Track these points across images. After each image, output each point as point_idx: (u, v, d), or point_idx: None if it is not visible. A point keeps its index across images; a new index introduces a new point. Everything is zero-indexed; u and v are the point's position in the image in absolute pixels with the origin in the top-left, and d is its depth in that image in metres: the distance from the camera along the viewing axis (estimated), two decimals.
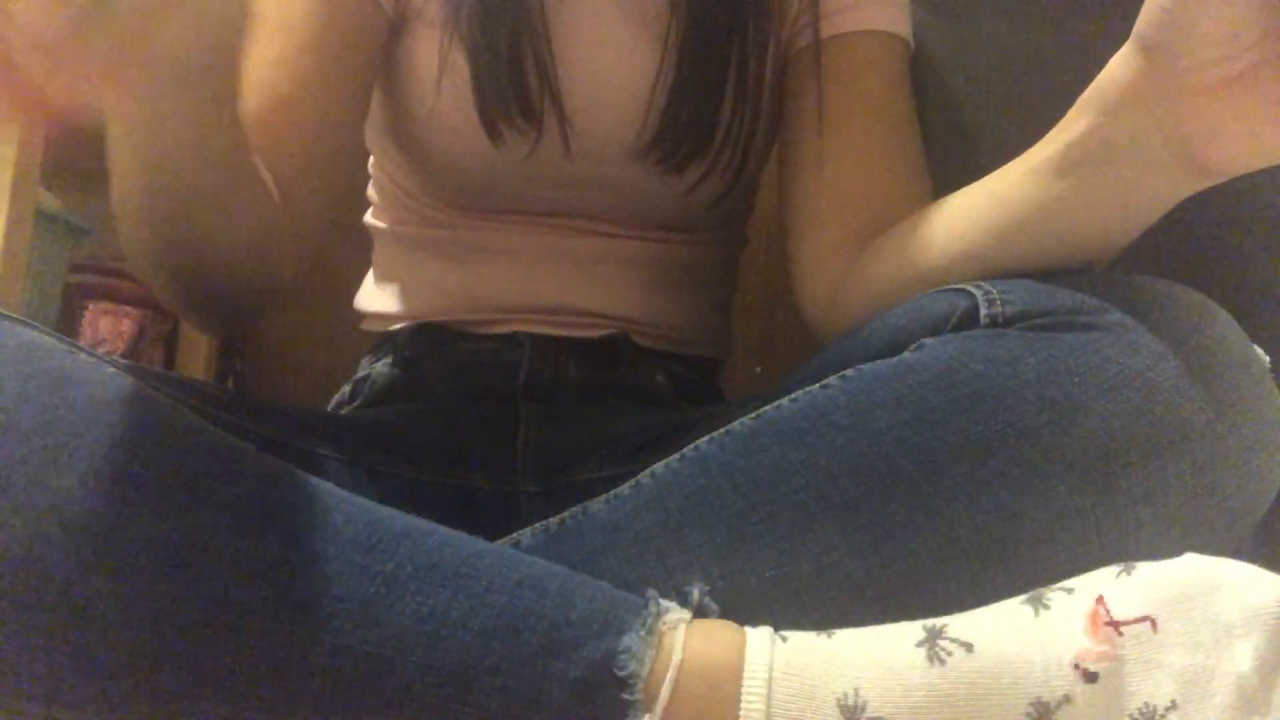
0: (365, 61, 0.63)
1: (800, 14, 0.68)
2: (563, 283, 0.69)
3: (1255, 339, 0.45)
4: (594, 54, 0.65)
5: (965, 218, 0.52)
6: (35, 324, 0.42)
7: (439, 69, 0.63)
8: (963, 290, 0.48)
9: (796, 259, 0.67)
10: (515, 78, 0.62)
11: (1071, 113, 0.46)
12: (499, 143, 0.63)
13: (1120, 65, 0.43)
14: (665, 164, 0.66)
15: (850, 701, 0.37)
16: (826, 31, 0.67)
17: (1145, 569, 0.40)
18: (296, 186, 0.57)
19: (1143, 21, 0.41)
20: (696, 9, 0.65)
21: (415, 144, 0.67)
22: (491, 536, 0.44)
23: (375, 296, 0.74)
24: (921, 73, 0.70)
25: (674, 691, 0.38)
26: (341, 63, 0.61)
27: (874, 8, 0.67)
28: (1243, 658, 0.37)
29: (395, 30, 0.65)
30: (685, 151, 0.65)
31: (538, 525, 0.48)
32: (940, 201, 0.57)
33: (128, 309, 1.10)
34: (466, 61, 0.62)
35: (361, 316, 0.76)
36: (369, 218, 0.77)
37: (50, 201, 0.96)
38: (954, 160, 0.70)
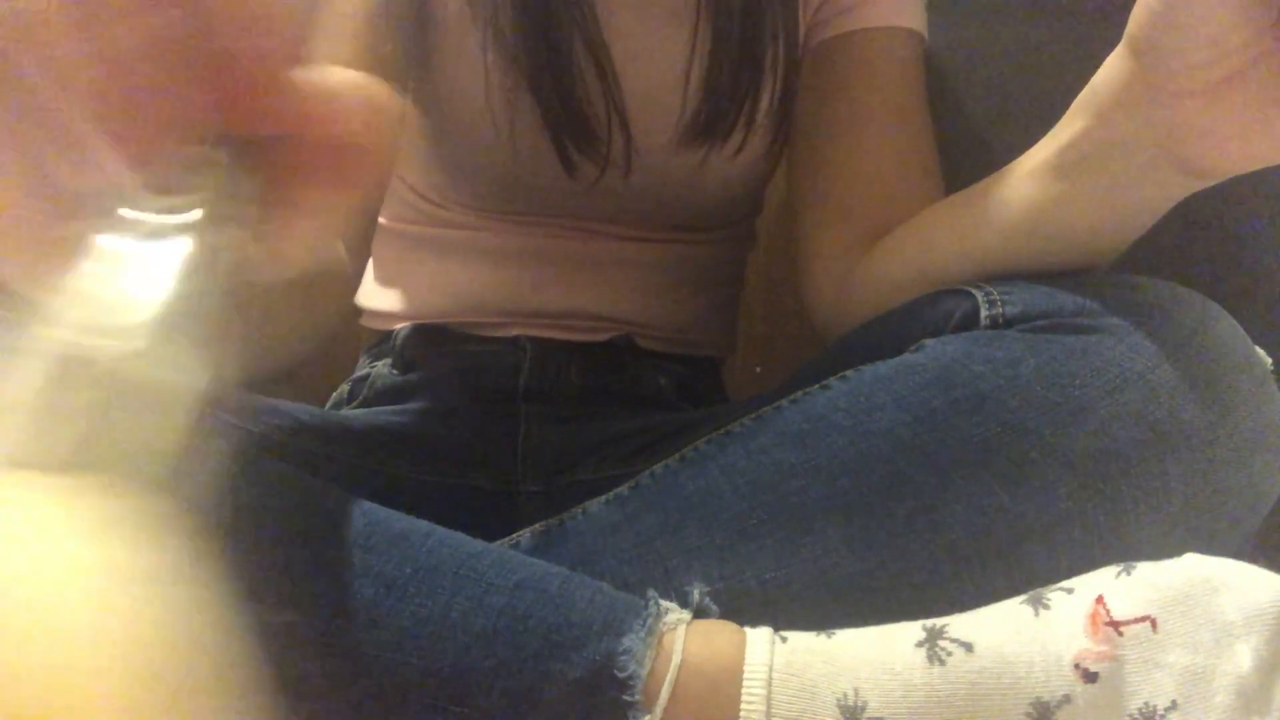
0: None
1: (820, 6, 0.67)
2: (569, 286, 0.68)
3: (1257, 340, 0.45)
4: (640, 59, 0.63)
5: (966, 218, 0.52)
6: None
7: (495, 101, 0.61)
8: (963, 291, 0.47)
9: (806, 258, 0.66)
10: (581, 111, 0.61)
11: (1068, 115, 0.46)
12: (574, 173, 0.62)
13: (1113, 67, 0.43)
14: (710, 133, 0.64)
15: (850, 702, 0.37)
16: (845, 27, 0.66)
17: (1145, 569, 0.40)
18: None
19: (1133, 23, 0.41)
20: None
21: (453, 160, 0.66)
22: (491, 537, 0.44)
23: (375, 294, 0.74)
24: (926, 74, 0.70)
25: (674, 692, 0.38)
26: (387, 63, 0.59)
27: (891, 3, 0.66)
28: (1243, 658, 0.37)
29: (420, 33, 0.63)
30: (730, 120, 0.64)
31: (537, 526, 0.48)
32: (942, 202, 0.57)
33: None
34: (529, 93, 0.60)
35: (360, 312, 0.76)
36: None
37: None
38: (956, 162, 0.70)
